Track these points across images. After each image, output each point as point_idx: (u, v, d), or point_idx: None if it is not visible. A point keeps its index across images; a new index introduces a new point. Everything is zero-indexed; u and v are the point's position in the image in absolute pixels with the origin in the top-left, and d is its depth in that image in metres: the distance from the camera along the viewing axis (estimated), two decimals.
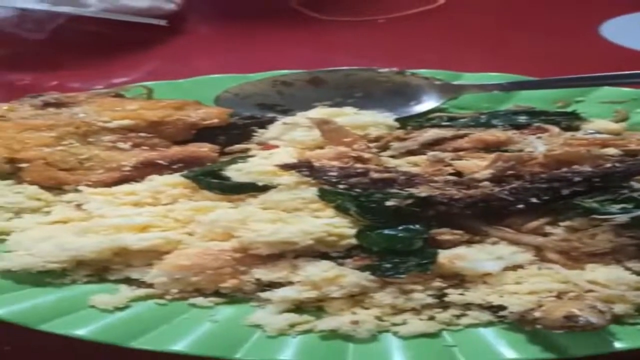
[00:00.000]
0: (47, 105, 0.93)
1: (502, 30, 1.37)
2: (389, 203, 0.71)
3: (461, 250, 0.70)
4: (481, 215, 0.73)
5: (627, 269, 0.69)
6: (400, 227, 0.71)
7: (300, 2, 1.50)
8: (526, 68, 1.08)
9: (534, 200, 0.73)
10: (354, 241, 0.70)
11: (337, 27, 1.42)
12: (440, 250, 0.70)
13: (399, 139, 0.89)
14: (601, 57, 1.25)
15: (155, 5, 1.32)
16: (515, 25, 1.39)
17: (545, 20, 1.40)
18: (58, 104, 0.93)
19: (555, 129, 0.90)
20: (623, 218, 0.69)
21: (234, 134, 0.92)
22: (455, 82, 1.00)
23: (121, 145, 0.88)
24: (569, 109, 0.97)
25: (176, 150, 0.87)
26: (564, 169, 0.74)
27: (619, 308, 0.64)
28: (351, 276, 0.67)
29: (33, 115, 0.92)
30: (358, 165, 0.78)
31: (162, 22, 1.27)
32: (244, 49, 1.34)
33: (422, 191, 0.72)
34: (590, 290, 0.66)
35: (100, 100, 0.93)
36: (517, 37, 1.34)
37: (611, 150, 0.81)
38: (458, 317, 0.66)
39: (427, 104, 0.98)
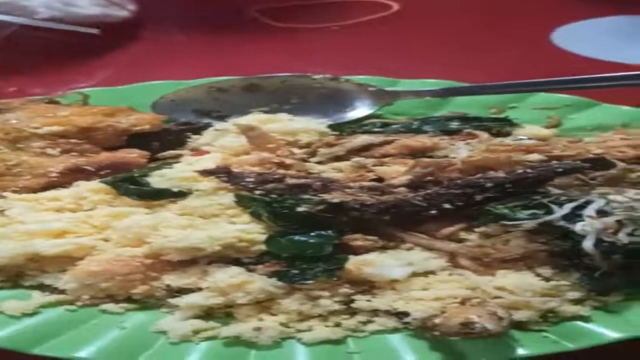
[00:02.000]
0: None
1: (455, 37, 1.37)
2: (300, 209, 0.71)
3: (370, 256, 0.70)
4: (396, 221, 0.74)
5: (538, 275, 0.69)
6: (311, 233, 0.71)
7: (257, 10, 1.51)
8: (472, 76, 1.08)
9: (447, 206, 0.73)
10: (264, 247, 0.71)
11: (292, 34, 1.42)
12: (350, 256, 0.70)
13: (328, 145, 0.89)
14: (551, 63, 1.26)
15: (107, 12, 1.32)
16: (468, 33, 1.39)
17: (498, 27, 1.40)
18: None
19: (485, 135, 0.90)
20: (530, 224, 0.69)
21: (167, 140, 0.92)
22: (390, 88, 1.00)
23: (50, 151, 0.88)
24: (503, 115, 0.97)
25: (104, 157, 0.87)
26: (478, 175, 0.75)
27: (521, 314, 0.65)
28: (258, 282, 0.67)
29: None
30: (278, 171, 0.79)
31: (94, 31, 1.26)
32: (199, 55, 1.34)
33: (334, 197, 0.72)
34: (497, 297, 0.66)
35: (34, 107, 0.94)
36: (469, 44, 1.34)
37: (534, 156, 0.81)
38: (364, 323, 0.67)
39: (362, 110, 0.98)
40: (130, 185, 0.78)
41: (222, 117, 0.96)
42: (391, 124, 0.96)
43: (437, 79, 1.05)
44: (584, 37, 1.36)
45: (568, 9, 1.45)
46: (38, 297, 0.70)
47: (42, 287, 0.72)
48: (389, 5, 1.51)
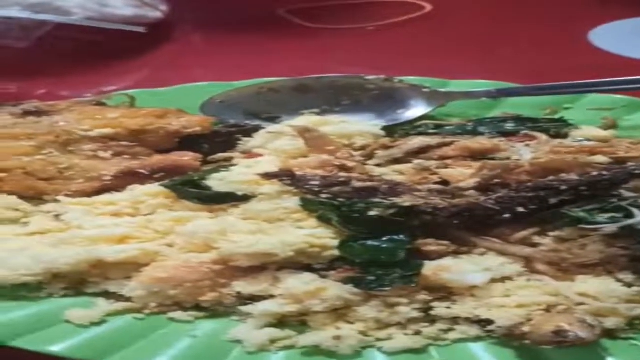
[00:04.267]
0: (26, 113, 0.91)
1: (491, 37, 1.35)
2: (371, 213, 0.69)
3: (447, 261, 0.68)
4: (468, 225, 0.72)
5: (619, 280, 0.67)
6: (384, 238, 0.69)
7: (287, 10, 1.49)
8: (514, 76, 1.06)
9: (520, 209, 0.71)
10: (336, 252, 0.69)
11: (325, 35, 1.40)
12: (425, 262, 0.68)
13: (385, 147, 0.87)
14: (590, 64, 1.23)
15: (140, 13, 1.30)
16: (503, 33, 1.37)
17: (534, 28, 1.38)
18: (38, 113, 0.91)
19: (543, 137, 0.88)
20: (612, 228, 0.68)
21: (218, 142, 0.90)
22: (443, 90, 0.98)
23: (102, 154, 0.86)
24: (557, 116, 0.95)
25: (157, 159, 0.85)
26: (551, 178, 0.73)
27: (610, 322, 0.63)
28: (333, 289, 0.65)
29: (12, 124, 0.89)
30: (341, 174, 0.77)
31: (141, 30, 1.25)
32: (232, 57, 1.31)
33: (405, 200, 0.70)
34: (581, 303, 0.64)
35: (81, 109, 0.91)
36: (506, 45, 1.32)
37: (599, 158, 0.79)
38: (445, 331, 0.65)
39: (415, 111, 0.96)
40: (191, 189, 0.76)
41: (272, 119, 0.94)
42: (444, 126, 0.94)
43: (486, 80, 1.03)
44: (621, 37, 1.34)
45: (605, 8, 1.43)
46: (103, 305, 0.68)
47: (106, 295, 0.70)
48: (421, 5, 1.49)
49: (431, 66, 1.17)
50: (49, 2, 1.20)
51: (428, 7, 1.49)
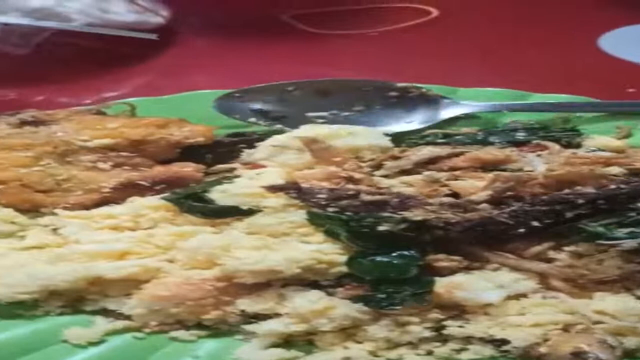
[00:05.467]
0: (24, 123, 0.88)
1: (498, 43, 1.33)
2: (381, 228, 0.67)
3: (459, 278, 0.66)
4: (480, 239, 0.69)
5: (638, 297, 0.65)
6: (393, 254, 0.67)
7: (291, 15, 1.46)
8: (522, 81, 1.04)
9: (535, 223, 0.69)
10: (344, 269, 0.66)
11: (330, 41, 1.38)
12: (437, 278, 0.66)
13: (393, 157, 0.84)
14: (600, 69, 1.21)
15: (142, 19, 1.27)
16: (511, 38, 1.34)
17: (543, 33, 1.36)
18: (36, 122, 0.88)
19: (556, 147, 0.86)
20: (631, 243, 0.65)
21: (220, 152, 0.87)
22: (453, 97, 0.96)
23: (101, 165, 0.83)
24: (569, 125, 0.92)
25: (159, 171, 0.82)
26: (566, 190, 0.70)
27: (630, 342, 0.61)
28: (342, 308, 0.63)
29: (9, 134, 0.87)
30: (349, 186, 0.74)
31: (153, 36, 1.22)
32: (235, 62, 1.29)
33: (416, 215, 0.68)
34: (599, 322, 0.62)
35: (80, 118, 0.89)
36: (514, 50, 1.29)
37: (615, 169, 0.77)
38: (458, 351, 0.62)
39: (424, 119, 0.93)
40: (195, 203, 0.73)
41: (277, 118, 0.93)
42: (454, 135, 0.91)
43: (495, 88, 1.01)
44: (631, 43, 1.32)
45: (614, 14, 1.41)
46: (102, 324, 0.66)
47: (104, 312, 0.67)
48: (428, 11, 1.47)
49: (438, 72, 1.15)
50: (50, 8, 1.18)
51: (434, 12, 1.46)
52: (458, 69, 1.21)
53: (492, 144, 0.88)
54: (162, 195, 0.76)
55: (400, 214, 0.68)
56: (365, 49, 1.33)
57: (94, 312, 0.67)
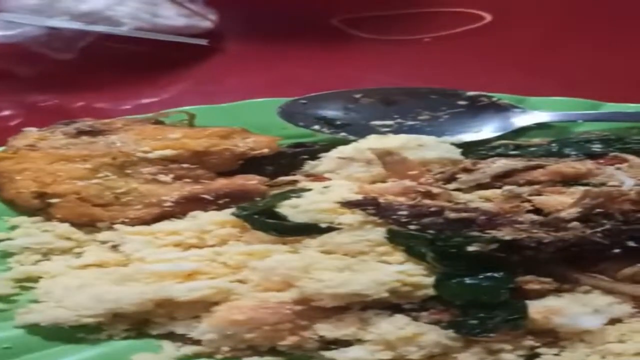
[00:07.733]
0: (81, 133, 0.85)
1: (558, 48, 1.28)
2: (471, 248, 0.63)
3: (554, 302, 0.62)
4: (570, 260, 0.65)
5: None
6: (481, 276, 0.62)
7: (340, 20, 1.43)
8: (586, 88, 0.99)
9: (631, 243, 0.64)
10: (431, 292, 0.62)
11: (382, 46, 1.33)
12: (528, 302, 0.61)
13: (465, 170, 0.80)
14: None
15: (191, 23, 1.24)
16: (572, 42, 1.29)
17: (605, 36, 1.30)
18: (93, 132, 0.85)
19: (636, 159, 0.81)
20: None
21: (282, 164, 0.84)
22: (523, 106, 0.92)
23: (162, 177, 0.79)
24: None
25: (222, 184, 0.79)
26: None
27: None
28: (431, 334, 0.59)
29: (65, 145, 0.83)
30: (429, 202, 0.70)
31: (203, 42, 1.19)
32: (284, 69, 1.25)
33: (506, 234, 0.64)
34: None
35: (139, 128, 0.85)
36: (574, 54, 1.24)
37: None
38: None
39: (494, 128, 0.89)
40: (268, 220, 0.69)
41: (342, 127, 0.89)
42: (526, 146, 0.87)
43: (566, 97, 0.96)
44: None
45: None
46: (170, 350, 0.63)
47: (172, 336, 0.64)
48: (481, 15, 1.42)
49: (502, 80, 1.11)
50: (99, 12, 1.15)
51: (488, 17, 1.41)
52: (516, 77, 1.16)
53: (567, 156, 0.83)
54: (231, 211, 0.72)
55: (489, 233, 0.64)
56: (419, 56, 1.29)
57: (160, 336, 0.64)
